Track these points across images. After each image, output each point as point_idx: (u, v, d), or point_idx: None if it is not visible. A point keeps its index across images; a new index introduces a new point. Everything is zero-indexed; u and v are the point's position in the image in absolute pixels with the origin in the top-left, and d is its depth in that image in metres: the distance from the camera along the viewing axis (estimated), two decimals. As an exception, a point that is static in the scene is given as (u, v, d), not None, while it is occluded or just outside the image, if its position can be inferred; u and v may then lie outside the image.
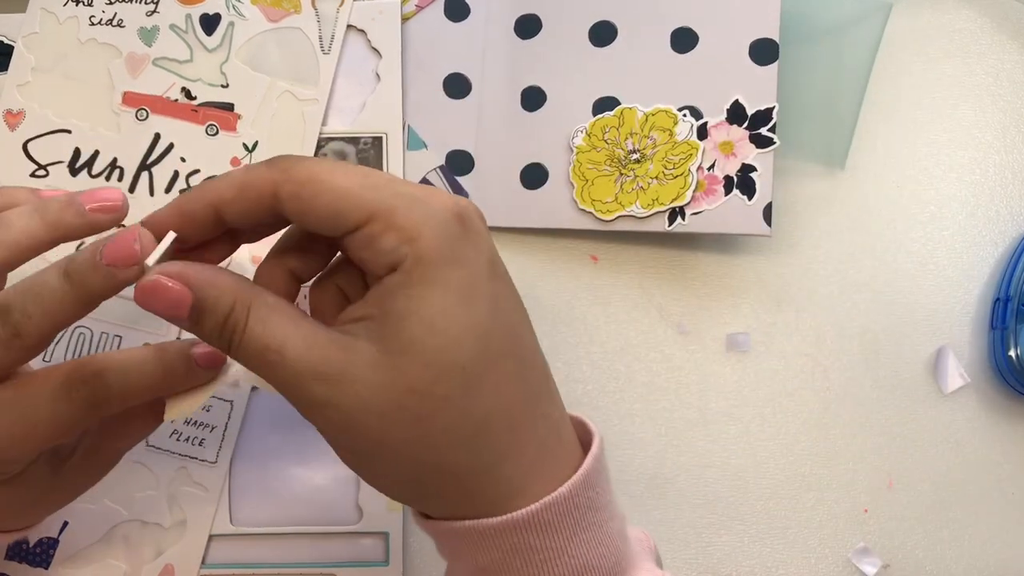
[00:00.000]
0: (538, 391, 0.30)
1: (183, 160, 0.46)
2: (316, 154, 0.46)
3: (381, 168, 0.46)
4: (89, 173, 0.45)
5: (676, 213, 0.44)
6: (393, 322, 0.27)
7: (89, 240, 0.32)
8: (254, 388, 0.45)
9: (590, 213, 0.45)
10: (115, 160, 0.45)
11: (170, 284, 0.28)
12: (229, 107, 0.46)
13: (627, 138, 0.45)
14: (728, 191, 0.44)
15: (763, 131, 0.44)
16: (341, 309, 0.30)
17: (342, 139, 0.46)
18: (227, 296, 0.28)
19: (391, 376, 0.27)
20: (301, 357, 0.27)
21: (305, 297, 0.32)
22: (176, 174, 0.45)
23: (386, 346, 0.27)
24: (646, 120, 0.45)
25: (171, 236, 0.29)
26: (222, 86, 0.46)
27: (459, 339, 0.27)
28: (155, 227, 0.30)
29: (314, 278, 0.32)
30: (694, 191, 0.44)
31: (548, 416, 0.30)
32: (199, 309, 0.28)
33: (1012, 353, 0.45)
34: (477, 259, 0.28)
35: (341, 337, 0.28)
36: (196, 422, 0.44)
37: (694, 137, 0.44)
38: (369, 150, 0.46)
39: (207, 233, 0.30)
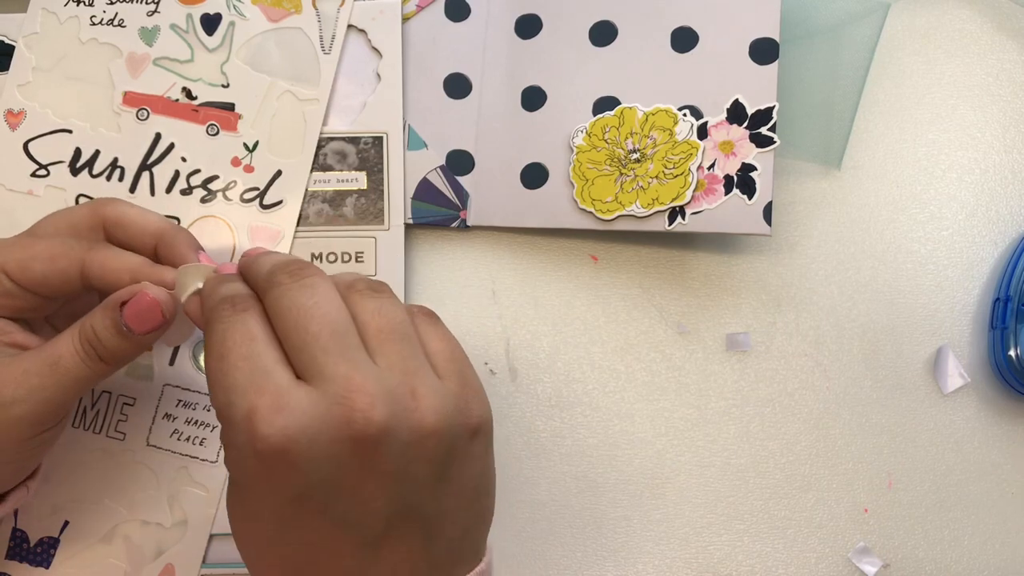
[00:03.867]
0: None
1: (184, 160, 0.46)
2: (316, 154, 0.46)
3: (382, 167, 0.46)
4: (90, 173, 0.45)
5: (676, 213, 0.44)
6: None
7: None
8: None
9: (590, 213, 0.45)
10: (116, 160, 0.46)
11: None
12: (230, 107, 0.46)
13: (627, 138, 0.45)
14: (728, 191, 0.44)
15: (763, 130, 0.44)
16: None
17: (342, 139, 0.46)
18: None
19: None
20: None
21: None
22: (177, 174, 0.45)
23: None
24: (646, 120, 0.45)
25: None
26: (223, 86, 0.46)
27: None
28: None
29: None
30: (694, 191, 0.44)
31: None
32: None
33: (1012, 353, 0.45)
34: (272, 497, 0.28)
35: None
36: (196, 421, 0.44)
37: (694, 137, 0.44)
38: (369, 150, 0.46)
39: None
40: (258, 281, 0.30)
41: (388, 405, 0.27)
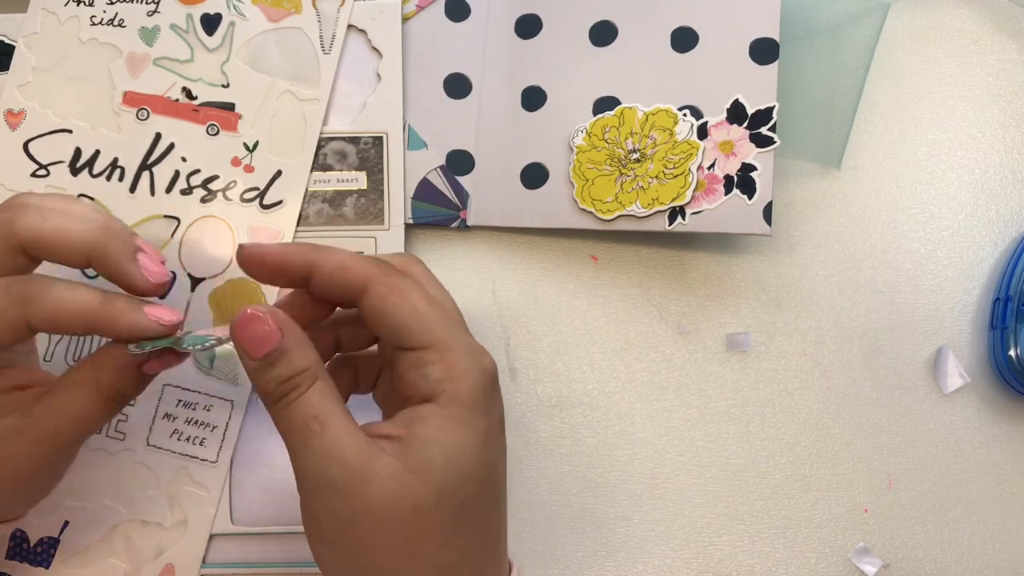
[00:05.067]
0: (501, 536, 0.34)
1: (184, 160, 0.46)
2: (316, 154, 0.46)
3: (382, 167, 0.46)
4: (90, 173, 0.45)
5: (676, 213, 0.44)
6: (418, 445, 0.30)
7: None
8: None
9: (590, 213, 0.45)
10: (116, 160, 0.46)
11: (270, 322, 0.31)
12: (230, 107, 0.46)
13: (627, 138, 0.45)
14: (728, 191, 0.44)
15: (763, 130, 0.44)
16: (348, 393, 0.36)
17: (343, 139, 0.46)
18: (306, 359, 0.31)
19: (403, 490, 0.30)
20: (338, 439, 0.30)
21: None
22: (177, 174, 0.45)
23: (407, 463, 0.30)
24: (646, 120, 0.45)
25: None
26: (223, 86, 0.46)
27: (469, 477, 0.31)
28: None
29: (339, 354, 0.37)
30: (694, 191, 0.44)
31: (500, 563, 0.34)
32: (279, 354, 0.31)
33: (1012, 353, 0.45)
34: (496, 414, 0.33)
35: (371, 443, 0.30)
36: (196, 421, 0.44)
37: (694, 136, 0.44)
38: (369, 150, 0.46)
39: (295, 284, 0.33)
40: (390, 264, 0.33)
41: None
